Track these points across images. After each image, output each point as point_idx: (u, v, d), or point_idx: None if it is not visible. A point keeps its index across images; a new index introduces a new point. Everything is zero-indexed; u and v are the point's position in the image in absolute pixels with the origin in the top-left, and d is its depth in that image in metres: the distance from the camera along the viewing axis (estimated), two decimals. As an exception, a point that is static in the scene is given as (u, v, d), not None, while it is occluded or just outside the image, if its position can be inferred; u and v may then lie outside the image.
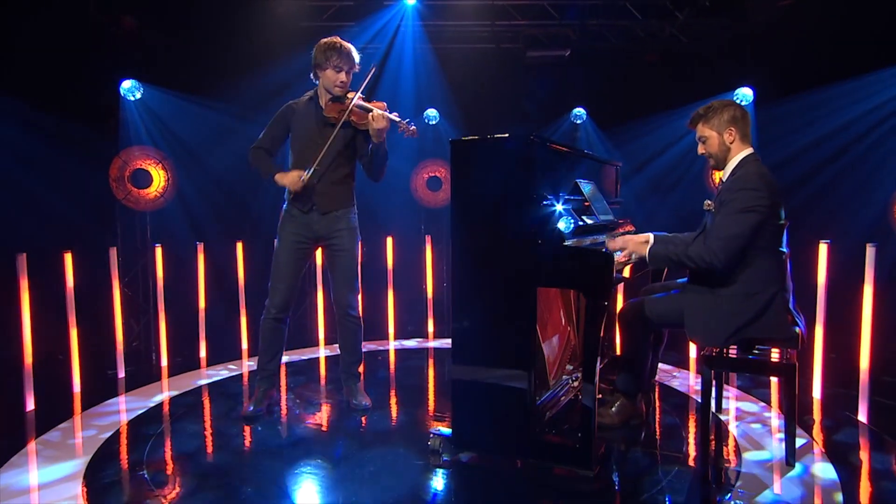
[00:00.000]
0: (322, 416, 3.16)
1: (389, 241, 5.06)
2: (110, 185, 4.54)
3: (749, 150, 2.53)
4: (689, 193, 5.53)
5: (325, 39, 2.92)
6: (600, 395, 3.12)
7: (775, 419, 3.09)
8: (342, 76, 2.89)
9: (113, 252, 3.77)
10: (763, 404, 3.32)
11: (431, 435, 2.64)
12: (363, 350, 3.24)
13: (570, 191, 2.84)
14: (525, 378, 2.39)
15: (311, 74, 2.98)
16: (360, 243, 3.12)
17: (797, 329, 2.42)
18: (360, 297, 3.17)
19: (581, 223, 2.66)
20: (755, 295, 2.37)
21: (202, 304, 4.35)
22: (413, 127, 2.82)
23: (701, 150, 2.63)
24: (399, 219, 5.83)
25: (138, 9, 4.57)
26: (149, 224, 4.87)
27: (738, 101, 2.66)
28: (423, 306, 5.31)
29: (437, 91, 5.93)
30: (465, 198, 2.47)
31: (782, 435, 2.81)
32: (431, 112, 5.92)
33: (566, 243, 2.40)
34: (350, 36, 5.16)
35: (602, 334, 2.34)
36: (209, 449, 2.74)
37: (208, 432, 2.95)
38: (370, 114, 2.82)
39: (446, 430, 2.61)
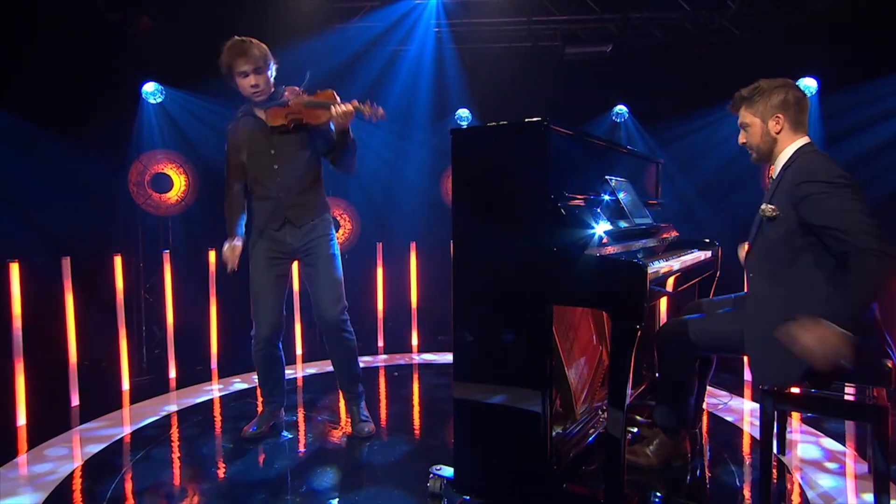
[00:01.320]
0: (320, 444, 2.76)
1: (413, 246, 4.65)
2: (130, 190, 4.35)
3: (804, 140, 2.00)
4: (743, 198, 4.89)
5: (226, 43, 2.52)
6: (636, 429, 2.60)
7: (852, 462, 2.48)
8: (251, 79, 2.49)
9: (117, 259, 3.51)
10: (836, 444, 2.69)
11: (431, 475, 2.19)
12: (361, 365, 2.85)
13: (597, 189, 2.34)
14: (538, 399, 1.92)
15: (232, 83, 2.57)
16: (338, 250, 2.72)
17: (889, 362, 1.83)
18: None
19: (610, 228, 2.16)
20: (839, 317, 1.80)
21: (214, 312, 4.05)
22: (381, 109, 2.41)
23: (742, 139, 2.11)
24: (425, 225, 5.49)
25: (151, 7, 4.37)
26: (170, 228, 4.66)
27: (794, 83, 2.05)
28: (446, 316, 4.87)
29: (469, 93, 5.61)
30: (468, 196, 2.04)
31: (864, 485, 2.21)
32: (463, 112, 5.60)
33: (589, 252, 1.91)
34: (375, 36, 4.82)
35: (636, 355, 1.85)
36: (183, 477, 2.40)
37: (193, 455, 2.62)
38: (331, 108, 2.42)
39: (448, 471, 2.16)
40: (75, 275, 3.28)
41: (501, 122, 1.98)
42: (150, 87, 4.46)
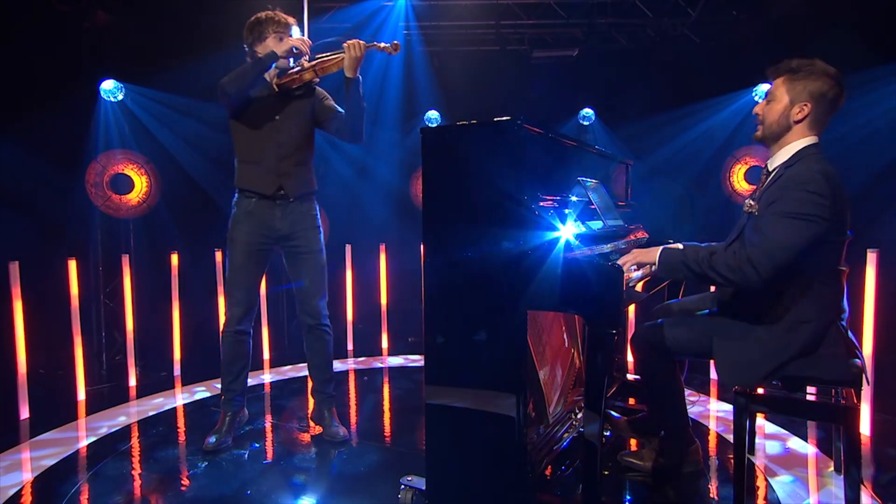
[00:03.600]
0: (287, 454, 2.60)
1: (382, 248, 4.51)
2: (87, 191, 4.09)
3: (813, 140, 1.86)
4: (708, 200, 4.92)
5: (256, 15, 2.47)
6: (608, 433, 2.53)
7: (814, 459, 2.45)
8: (291, 41, 2.43)
9: (71, 264, 3.27)
10: (801, 442, 2.67)
11: (403, 486, 2.07)
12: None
13: (569, 191, 2.26)
14: (513, 403, 1.82)
15: (248, 58, 2.47)
16: (323, 240, 2.60)
17: (857, 363, 1.79)
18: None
19: (583, 231, 2.07)
20: (805, 324, 1.76)
21: (176, 318, 3.83)
22: (395, 41, 2.31)
23: (758, 108, 1.94)
24: (395, 227, 5.38)
25: (107, 0, 4.10)
26: (131, 231, 4.41)
27: (842, 82, 1.85)
28: (416, 318, 4.75)
29: (438, 95, 5.50)
30: (439, 197, 1.93)
31: (833, 486, 2.18)
32: (433, 114, 5.48)
33: (563, 255, 1.82)
34: (342, 36, 4.67)
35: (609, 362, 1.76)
36: (143, 494, 2.22)
37: (152, 470, 2.43)
38: (344, 44, 2.34)
39: (419, 481, 2.04)
40: (27, 281, 3.07)
41: (473, 121, 1.87)
42: (108, 85, 4.21)
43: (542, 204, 1.91)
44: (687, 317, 2.11)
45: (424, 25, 5.19)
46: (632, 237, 2.59)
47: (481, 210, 1.86)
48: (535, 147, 1.93)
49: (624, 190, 2.99)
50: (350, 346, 4.50)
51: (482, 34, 5.44)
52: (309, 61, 2.43)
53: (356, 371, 3.94)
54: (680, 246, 1.99)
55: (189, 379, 3.75)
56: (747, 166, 4.82)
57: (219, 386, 3.55)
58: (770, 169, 1.92)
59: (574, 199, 2.22)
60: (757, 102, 2.13)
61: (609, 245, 2.24)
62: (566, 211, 2.07)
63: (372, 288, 4.71)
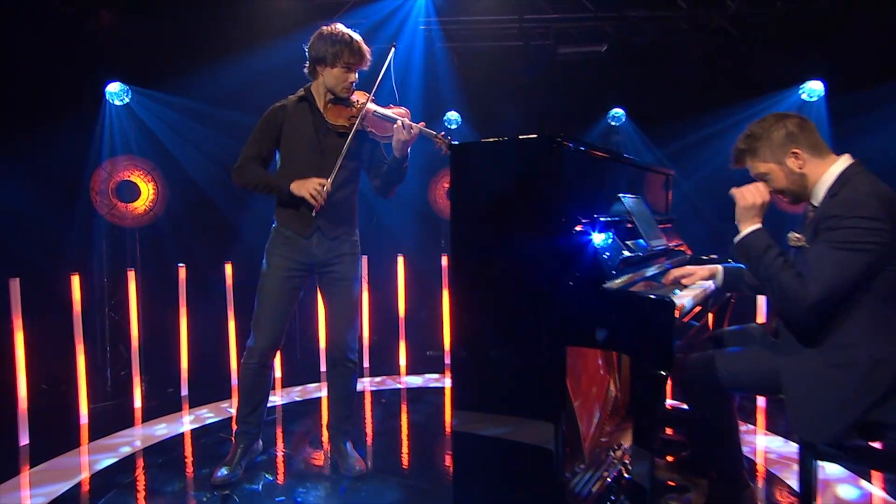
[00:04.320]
0: (301, 489, 2.52)
1: (401, 260, 4.41)
2: (91, 199, 4.06)
3: (845, 162, 1.76)
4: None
5: (330, 29, 2.39)
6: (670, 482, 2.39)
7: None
8: (352, 76, 2.38)
9: (74, 280, 3.22)
10: (866, 484, 2.51)
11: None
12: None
13: (610, 209, 2.13)
14: (550, 434, 1.72)
15: (307, 69, 2.45)
16: (362, 270, 2.54)
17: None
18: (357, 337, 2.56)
19: (626, 254, 1.95)
20: (884, 363, 1.62)
21: (184, 334, 3.77)
22: (449, 138, 2.28)
23: (766, 195, 1.87)
24: (413, 234, 5.30)
25: (112, 1, 4.08)
26: (137, 241, 4.38)
27: (785, 111, 1.89)
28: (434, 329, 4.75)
29: (458, 94, 5.41)
30: (469, 218, 1.85)
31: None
32: (452, 115, 5.37)
33: (607, 285, 1.70)
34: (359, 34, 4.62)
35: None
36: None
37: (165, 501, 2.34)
38: (395, 124, 2.30)
39: (446, 527, 1.93)
40: (29, 291, 3.04)
41: (507, 137, 1.76)
42: (114, 88, 4.19)
43: (580, 227, 1.80)
44: (746, 349, 1.97)
45: (444, 21, 5.12)
46: (679, 258, 2.45)
47: (515, 233, 1.78)
48: (573, 164, 1.81)
49: (665, 203, 2.86)
50: (367, 363, 4.41)
51: (504, 29, 5.33)
52: (375, 114, 2.36)
53: (373, 393, 3.85)
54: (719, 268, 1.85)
55: (196, 400, 3.68)
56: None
57: (226, 407, 3.53)
58: (815, 204, 1.80)
59: (616, 219, 2.09)
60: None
61: (654, 267, 2.12)
62: (609, 233, 1.95)
63: (388, 298, 4.63)
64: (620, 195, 2.20)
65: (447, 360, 4.52)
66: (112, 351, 4.38)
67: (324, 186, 2.30)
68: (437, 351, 4.80)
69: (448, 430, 3.22)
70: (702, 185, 5.12)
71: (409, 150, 2.36)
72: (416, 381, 4.12)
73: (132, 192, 4.16)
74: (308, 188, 2.29)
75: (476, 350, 1.83)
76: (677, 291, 1.94)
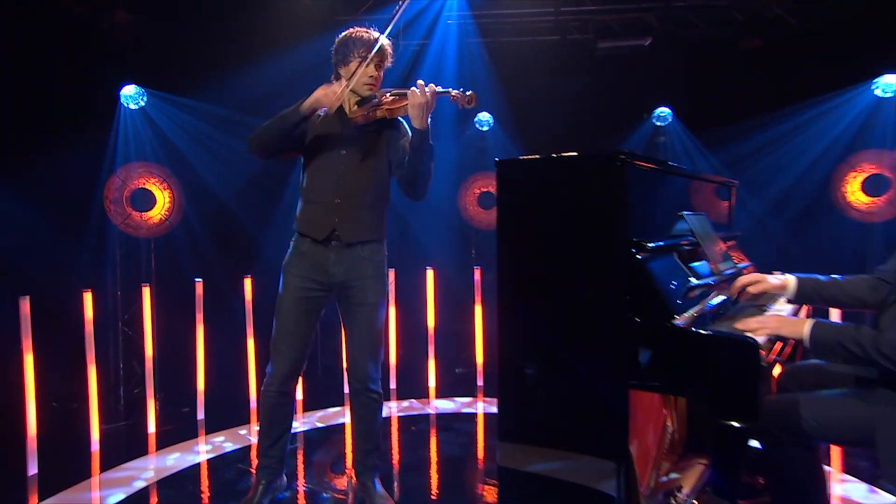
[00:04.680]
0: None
1: (430, 274, 4.29)
2: (105, 208, 4.04)
3: None
4: (823, 220, 4.51)
5: (348, 31, 2.37)
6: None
7: None
8: (371, 69, 2.30)
9: (87, 297, 3.18)
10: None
11: None
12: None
13: (674, 230, 1.99)
14: (612, 477, 1.64)
15: (333, 77, 2.40)
16: (388, 294, 2.42)
17: None
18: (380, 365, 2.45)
19: (694, 281, 1.81)
20: None
21: (200, 352, 3.72)
22: (470, 92, 2.13)
23: None
24: (442, 244, 5.22)
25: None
26: (153, 252, 4.36)
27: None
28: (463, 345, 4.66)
29: (490, 93, 5.28)
30: (517, 240, 1.76)
31: None
32: (483, 116, 5.27)
33: (676, 321, 1.56)
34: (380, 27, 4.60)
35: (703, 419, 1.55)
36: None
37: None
38: (409, 90, 2.17)
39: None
40: (40, 304, 3.03)
41: (564, 154, 1.64)
42: (129, 91, 4.15)
43: (648, 254, 1.66)
44: (835, 395, 1.80)
45: (475, 15, 5.05)
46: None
47: (572, 259, 1.67)
48: (637, 182, 1.68)
49: (727, 218, 2.69)
50: (393, 385, 4.30)
51: (539, 23, 5.23)
52: (390, 95, 2.28)
53: (400, 419, 3.74)
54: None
55: (213, 425, 3.63)
56: (865, 175, 4.38)
57: (245, 434, 3.46)
58: None
59: (681, 241, 1.95)
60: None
61: (724, 298, 1.97)
62: (675, 259, 1.81)
63: (416, 313, 4.54)
64: (683, 213, 2.06)
65: (479, 382, 4.40)
66: (125, 367, 4.36)
67: (346, 84, 2.21)
68: (466, 368, 4.72)
69: (482, 462, 3.11)
70: (764, 196, 4.90)
71: (427, 120, 2.19)
72: (446, 405, 4.00)
73: (147, 200, 4.14)
74: (322, 91, 2.22)
75: (526, 379, 1.75)
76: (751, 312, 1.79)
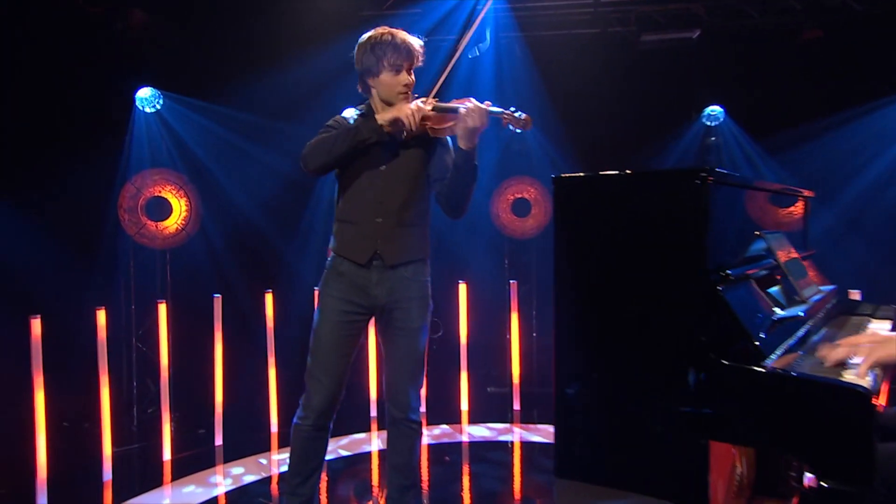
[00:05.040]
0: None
1: (463, 288, 4.18)
2: (119, 218, 4.02)
3: None
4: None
5: (368, 35, 2.27)
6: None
7: None
8: (404, 77, 2.21)
9: (100, 314, 3.14)
10: None
11: None
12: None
13: (751, 252, 1.85)
14: None
15: (359, 86, 2.32)
16: (430, 316, 2.35)
17: None
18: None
19: (780, 313, 1.67)
20: None
21: (219, 372, 3.65)
22: (524, 115, 2.04)
23: None
24: (473, 252, 5.13)
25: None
26: (168, 263, 4.34)
27: None
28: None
29: (524, 90, 5.21)
30: (577, 268, 1.65)
31: None
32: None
33: (764, 363, 1.42)
34: (408, 24, 4.59)
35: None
36: None
37: None
38: (460, 109, 2.06)
39: None
40: (51, 331, 2.99)
41: (633, 171, 1.51)
42: (144, 93, 4.15)
43: (729, 284, 1.52)
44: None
45: (510, 6, 4.96)
46: (832, 308, 2.13)
47: (639, 288, 1.55)
48: (716, 202, 1.54)
49: (802, 233, 2.53)
50: (423, 408, 4.19)
51: (577, 14, 5.13)
52: (434, 110, 2.18)
53: (431, 447, 3.63)
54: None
55: (232, 451, 3.56)
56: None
57: (266, 463, 3.38)
58: None
59: (757, 264, 1.80)
60: None
61: (807, 327, 1.81)
62: (755, 286, 1.66)
63: (446, 327, 4.39)
64: (761, 232, 1.91)
65: (516, 405, 4.26)
66: (139, 385, 4.34)
67: (422, 105, 2.12)
68: (499, 387, 4.61)
69: (526, 499, 3.01)
70: (837, 205, 4.67)
71: (476, 140, 2.10)
72: (481, 432, 3.89)
73: (162, 209, 4.12)
74: (401, 111, 2.12)
75: (589, 414, 1.66)
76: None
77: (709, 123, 5.13)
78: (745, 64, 4.97)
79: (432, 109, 2.18)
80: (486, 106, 2.05)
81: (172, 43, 4.18)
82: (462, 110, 2.05)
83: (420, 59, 2.26)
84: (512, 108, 2.05)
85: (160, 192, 4.11)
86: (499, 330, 4.99)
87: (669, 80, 5.11)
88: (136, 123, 4.24)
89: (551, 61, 5.16)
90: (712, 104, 5.10)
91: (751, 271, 1.70)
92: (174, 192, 4.13)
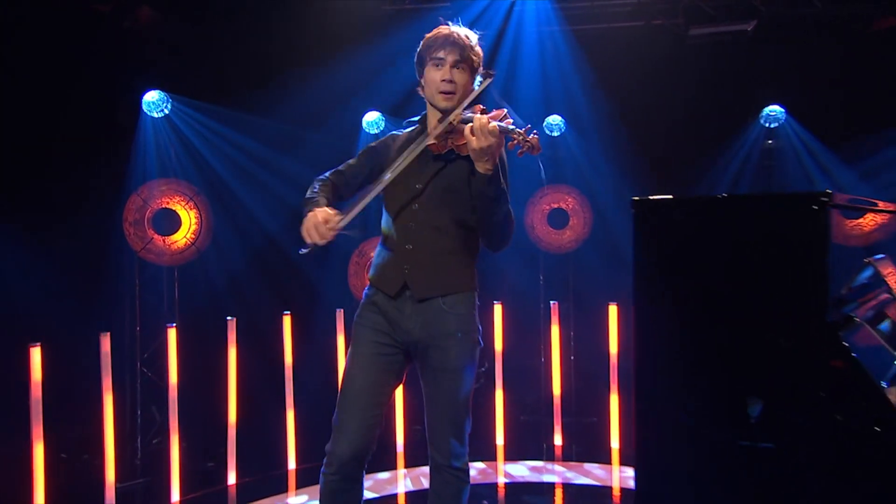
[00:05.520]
0: None
1: (498, 309, 4.07)
2: (125, 232, 3.97)
3: None
4: None
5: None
6: None
7: None
8: (444, 72, 2.07)
9: (105, 340, 3.08)
10: None
11: None
12: None
13: (862, 283, 1.72)
14: None
15: (419, 89, 2.21)
16: (477, 354, 2.19)
17: None
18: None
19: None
20: None
21: (233, 407, 3.58)
22: (534, 136, 1.86)
23: None
24: (506, 266, 5.07)
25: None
26: (177, 282, 4.29)
27: None
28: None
29: (561, 90, 5.17)
30: (667, 300, 1.58)
31: None
32: (554, 119, 5.08)
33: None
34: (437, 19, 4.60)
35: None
36: None
37: None
38: (468, 124, 1.91)
39: None
40: (50, 353, 2.98)
41: (730, 194, 1.43)
42: (152, 97, 4.10)
43: (849, 327, 1.39)
44: None
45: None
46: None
47: (740, 321, 1.46)
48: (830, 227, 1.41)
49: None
50: (500, 442, 4.12)
51: (617, 5, 5.07)
52: (462, 121, 2.04)
53: (509, 485, 3.57)
54: None
55: (247, 493, 3.48)
56: None
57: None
58: None
59: (869, 298, 1.67)
60: None
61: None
62: (871, 326, 1.52)
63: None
64: (873, 258, 1.77)
65: (557, 439, 4.13)
66: (143, 413, 4.26)
67: (328, 223, 1.92)
68: (534, 416, 4.55)
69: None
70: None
71: (492, 163, 1.91)
72: (519, 471, 3.77)
73: (171, 222, 4.07)
74: (308, 226, 1.94)
75: (675, 454, 1.58)
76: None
77: (768, 125, 5.01)
78: (809, 58, 4.85)
79: (462, 120, 2.02)
80: (492, 120, 1.87)
81: (183, 43, 4.16)
82: (468, 126, 1.89)
83: (472, 53, 2.11)
84: (527, 127, 1.87)
85: (168, 203, 4.07)
86: (532, 352, 4.90)
87: (722, 77, 5.00)
88: (143, 129, 4.22)
89: (589, 58, 5.09)
90: (772, 104, 4.98)
91: (864, 306, 1.56)
92: (183, 203, 4.08)
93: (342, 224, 1.94)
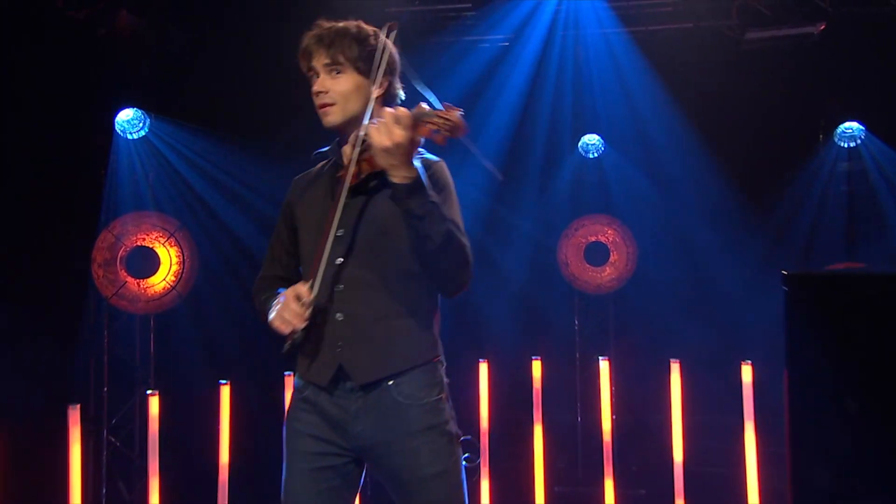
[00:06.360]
0: None
1: (537, 366, 3.95)
2: (93, 275, 3.96)
3: None
4: None
5: None
6: None
7: None
8: (315, 84, 1.88)
9: (74, 414, 2.99)
10: None
11: None
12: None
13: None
14: None
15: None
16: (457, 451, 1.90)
17: None
18: None
19: None
20: None
21: (224, 489, 3.47)
22: (455, 113, 1.60)
23: None
24: (535, 298, 5.18)
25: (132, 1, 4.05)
26: (152, 332, 4.25)
27: None
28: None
29: (596, 104, 5.23)
30: (822, 384, 1.61)
31: None
32: (591, 139, 5.12)
33: None
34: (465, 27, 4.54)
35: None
36: None
37: None
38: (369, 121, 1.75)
39: None
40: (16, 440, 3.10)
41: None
42: (126, 115, 4.11)
43: None
44: None
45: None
46: None
47: None
48: None
49: None
50: None
51: (662, 5, 5.08)
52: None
53: None
54: None
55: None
56: None
57: None
58: None
59: None
60: None
61: None
62: None
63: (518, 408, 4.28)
64: None
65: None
66: (108, 491, 4.16)
67: (301, 300, 1.72)
68: (569, 487, 4.56)
69: None
70: None
71: (412, 171, 1.66)
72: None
73: (148, 263, 4.06)
74: (280, 315, 1.76)
75: None
76: None
77: (843, 144, 5.02)
78: (891, 66, 4.82)
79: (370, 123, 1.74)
80: (390, 114, 1.61)
81: (167, 52, 4.18)
82: (367, 123, 1.73)
83: (348, 47, 1.85)
84: (445, 104, 1.61)
85: (145, 240, 4.08)
86: (565, 411, 4.84)
87: (786, 89, 5.00)
88: (116, 153, 4.23)
89: (628, 64, 5.13)
90: (848, 119, 4.99)
91: None
92: (163, 240, 4.09)
93: (316, 290, 1.74)
